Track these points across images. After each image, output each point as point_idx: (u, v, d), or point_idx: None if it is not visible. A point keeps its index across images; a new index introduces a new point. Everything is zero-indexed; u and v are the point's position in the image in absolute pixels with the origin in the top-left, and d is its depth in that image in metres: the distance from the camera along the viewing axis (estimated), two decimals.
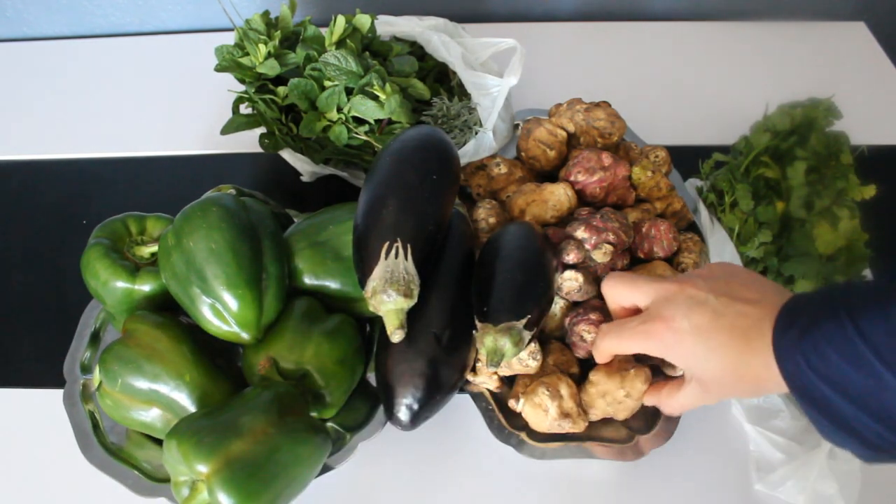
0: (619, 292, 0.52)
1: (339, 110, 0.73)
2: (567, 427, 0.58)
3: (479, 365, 0.60)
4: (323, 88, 0.73)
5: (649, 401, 0.56)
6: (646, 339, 0.48)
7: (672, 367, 0.59)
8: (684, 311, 0.46)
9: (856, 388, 0.37)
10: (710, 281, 0.47)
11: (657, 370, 0.59)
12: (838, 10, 1.01)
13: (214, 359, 0.59)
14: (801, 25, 1.00)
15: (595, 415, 0.58)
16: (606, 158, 0.68)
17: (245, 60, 0.74)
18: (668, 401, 0.53)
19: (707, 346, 0.45)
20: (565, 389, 0.58)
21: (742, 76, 0.94)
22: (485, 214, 0.67)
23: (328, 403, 0.57)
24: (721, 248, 0.68)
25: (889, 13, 1.02)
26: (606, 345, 0.52)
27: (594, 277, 0.63)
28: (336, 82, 0.72)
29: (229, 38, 0.78)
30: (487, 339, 0.53)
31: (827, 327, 0.38)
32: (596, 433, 0.60)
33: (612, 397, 0.56)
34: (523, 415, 0.58)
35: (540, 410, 0.57)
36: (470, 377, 0.61)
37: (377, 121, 0.73)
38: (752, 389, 0.45)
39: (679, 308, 0.46)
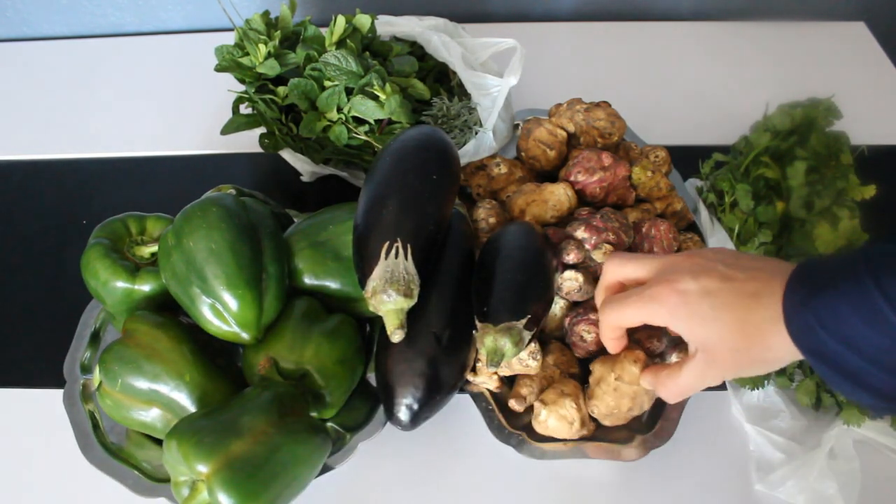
0: (625, 266, 0.50)
1: (339, 110, 0.73)
2: (584, 433, 0.58)
3: (479, 365, 0.60)
4: (323, 88, 0.73)
5: (647, 382, 0.53)
6: (649, 302, 0.46)
7: (675, 350, 0.58)
8: (692, 275, 0.44)
9: (871, 345, 0.36)
10: (719, 253, 0.46)
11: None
12: (838, 10, 1.01)
13: (214, 359, 0.59)
14: (801, 25, 1.00)
15: (598, 409, 0.57)
16: (606, 158, 0.68)
17: (245, 60, 0.74)
18: (668, 382, 0.50)
19: (713, 304, 0.43)
20: (581, 399, 0.58)
21: (742, 76, 0.94)
22: (485, 214, 0.67)
23: (328, 403, 0.57)
24: (721, 248, 0.68)
25: (889, 13, 1.02)
26: (609, 317, 0.50)
27: (594, 277, 0.63)
28: (336, 82, 0.72)
29: (229, 38, 0.78)
30: (487, 339, 0.53)
31: (844, 286, 0.37)
32: (596, 433, 0.60)
33: (607, 384, 0.55)
34: (545, 426, 0.58)
35: (566, 422, 0.57)
36: (470, 377, 0.61)
37: (377, 121, 0.73)
38: (759, 355, 0.43)
39: (686, 272, 0.45)
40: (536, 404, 0.58)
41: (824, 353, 0.38)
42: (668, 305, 0.45)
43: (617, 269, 0.51)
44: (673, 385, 0.49)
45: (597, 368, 0.57)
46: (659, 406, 0.61)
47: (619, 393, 0.56)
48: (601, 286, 0.53)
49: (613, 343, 0.53)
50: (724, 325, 0.43)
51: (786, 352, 0.41)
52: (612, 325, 0.51)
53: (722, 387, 0.64)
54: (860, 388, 0.38)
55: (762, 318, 0.41)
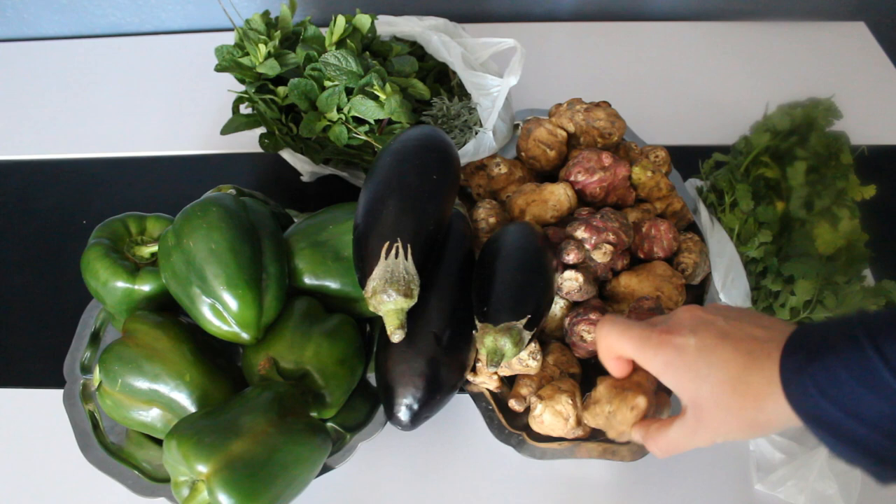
0: (616, 343, 0.48)
1: (339, 110, 0.73)
2: (578, 433, 0.58)
3: (479, 365, 0.60)
4: (323, 88, 0.73)
5: (637, 435, 0.50)
6: (645, 346, 0.45)
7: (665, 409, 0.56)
8: (690, 328, 0.44)
9: (871, 411, 0.36)
10: (722, 309, 0.45)
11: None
12: (838, 10, 1.01)
13: (214, 359, 0.59)
14: (801, 25, 1.00)
15: (586, 419, 0.53)
16: (606, 158, 0.68)
17: (245, 60, 0.74)
18: (658, 437, 0.47)
19: (708, 361, 0.42)
20: (578, 397, 0.58)
21: (742, 76, 0.94)
22: (485, 214, 0.67)
23: (328, 403, 0.57)
24: (721, 248, 0.68)
25: (889, 13, 1.02)
26: (605, 339, 0.48)
27: (594, 277, 0.63)
28: (336, 82, 0.72)
29: (229, 38, 0.78)
30: (487, 339, 0.53)
31: (843, 351, 0.36)
32: (596, 433, 0.60)
33: (601, 409, 0.51)
34: (540, 421, 0.58)
35: (561, 418, 0.57)
36: (470, 377, 0.61)
37: (377, 121, 0.73)
38: (752, 417, 0.41)
39: (685, 324, 0.44)
40: (533, 399, 0.58)
41: (823, 419, 0.37)
42: (663, 356, 0.44)
43: (612, 345, 0.48)
44: (662, 441, 0.47)
45: (601, 390, 0.52)
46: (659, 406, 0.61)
47: (608, 423, 0.52)
48: (601, 356, 0.51)
49: (612, 365, 0.50)
50: (716, 383, 0.42)
51: (781, 415, 0.40)
52: (606, 347, 0.49)
53: None
54: (861, 454, 0.37)
55: (758, 380, 0.40)
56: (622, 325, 0.48)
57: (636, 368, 0.51)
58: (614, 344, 0.48)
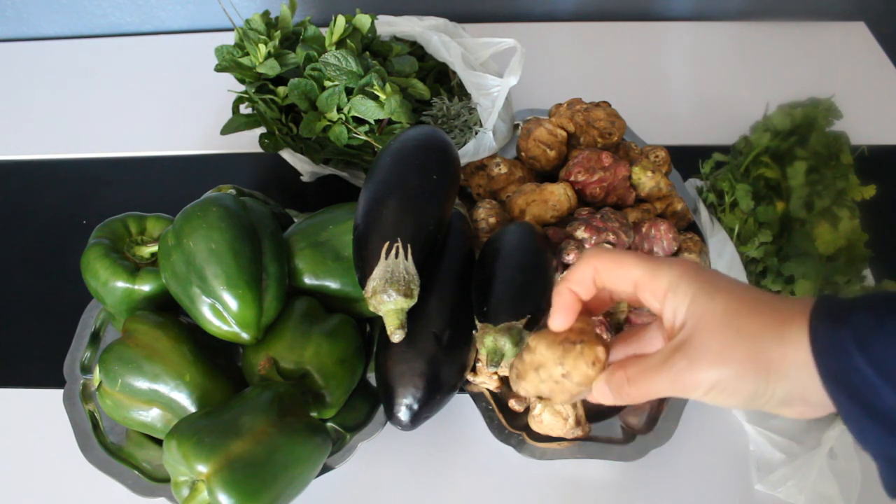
0: (618, 265, 0.38)
1: (339, 110, 0.73)
2: (578, 433, 0.58)
3: (479, 365, 0.60)
4: (323, 88, 0.73)
5: (601, 391, 0.38)
6: (655, 260, 0.36)
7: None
8: (709, 266, 0.38)
9: None
10: None
11: None
12: (838, 10, 1.01)
13: (214, 359, 0.59)
14: (801, 25, 1.00)
15: (525, 390, 0.42)
16: (606, 158, 0.68)
17: (245, 60, 0.74)
18: (635, 379, 0.36)
19: (729, 280, 0.34)
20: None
21: (742, 76, 0.94)
22: (485, 214, 0.67)
23: (328, 403, 0.57)
24: (721, 248, 0.68)
25: (889, 13, 1.02)
26: (590, 260, 0.38)
27: None
28: (336, 82, 0.72)
29: (229, 38, 0.78)
30: (487, 339, 0.53)
31: (888, 306, 0.29)
32: (596, 433, 0.60)
33: (548, 373, 0.40)
34: (539, 421, 0.58)
35: (560, 418, 0.57)
36: (470, 377, 0.61)
37: (377, 121, 0.73)
38: (764, 350, 0.32)
39: (704, 265, 0.38)
40: (533, 399, 0.58)
41: (852, 381, 0.30)
42: (680, 268, 0.35)
43: (605, 264, 0.38)
44: (642, 383, 0.36)
45: (541, 350, 0.40)
46: (659, 406, 0.61)
47: (557, 388, 0.40)
48: (568, 282, 0.39)
49: (566, 302, 0.39)
50: (734, 299, 0.33)
51: (797, 362, 0.31)
52: (590, 272, 0.38)
53: None
54: (888, 432, 0.30)
55: (785, 307, 0.32)
56: (618, 252, 0.38)
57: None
58: (610, 263, 0.38)
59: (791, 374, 0.32)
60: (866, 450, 0.32)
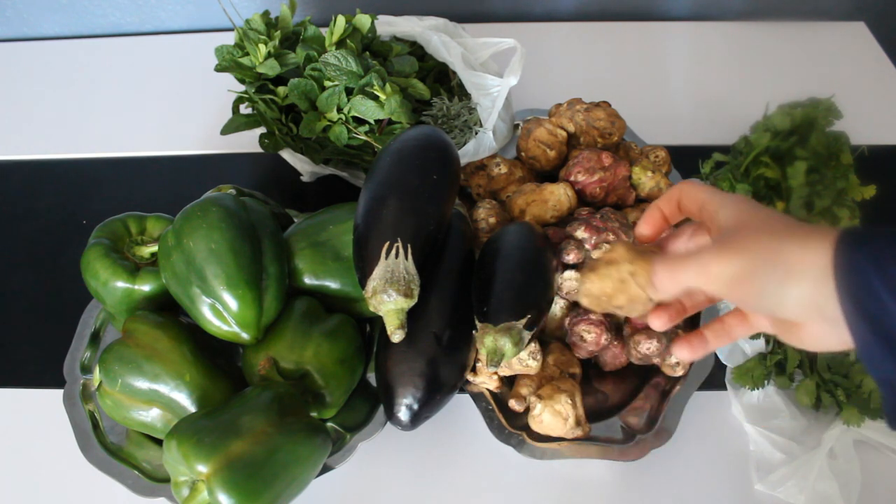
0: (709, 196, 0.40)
1: (339, 110, 0.73)
2: (578, 433, 0.58)
3: (479, 365, 0.60)
4: (323, 88, 0.73)
5: (659, 269, 0.40)
6: (718, 192, 0.39)
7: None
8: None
9: None
10: None
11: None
12: (838, 10, 1.01)
13: (214, 359, 0.59)
14: (801, 25, 1.00)
15: (588, 288, 0.44)
16: (606, 158, 0.68)
17: (245, 60, 0.74)
18: (672, 263, 0.39)
19: (774, 210, 0.37)
20: (578, 396, 0.58)
21: (742, 76, 0.94)
22: (485, 214, 0.67)
23: (328, 403, 0.57)
24: None
25: (889, 13, 1.02)
26: (684, 184, 0.42)
27: None
28: (336, 82, 0.72)
29: (229, 38, 0.78)
30: (487, 339, 0.53)
31: None
32: (596, 433, 0.60)
33: (617, 270, 0.43)
34: (539, 421, 0.58)
35: (560, 418, 0.57)
36: (470, 377, 0.61)
37: (377, 121, 0.73)
38: (786, 258, 0.34)
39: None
40: (532, 399, 0.58)
41: (868, 304, 0.31)
42: (736, 196, 0.39)
43: (687, 191, 0.41)
44: (680, 265, 0.38)
45: (619, 248, 0.43)
46: (659, 406, 0.61)
47: (621, 287, 0.43)
48: (657, 203, 0.43)
49: (653, 215, 0.44)
50: (773, 214, 0.36)
51: (814, 275, 0.33)
52: (673, 195, 0.42)
53: (722, 387, 0.64)
54: (893, 354, 0.31)
55: (815, 230, 0.34)
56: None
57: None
58: (691, 189, 0.41)
59: (807, 278, 0.33)
60: (871, 373, 0.32)
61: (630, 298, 0.43)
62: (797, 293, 0.34)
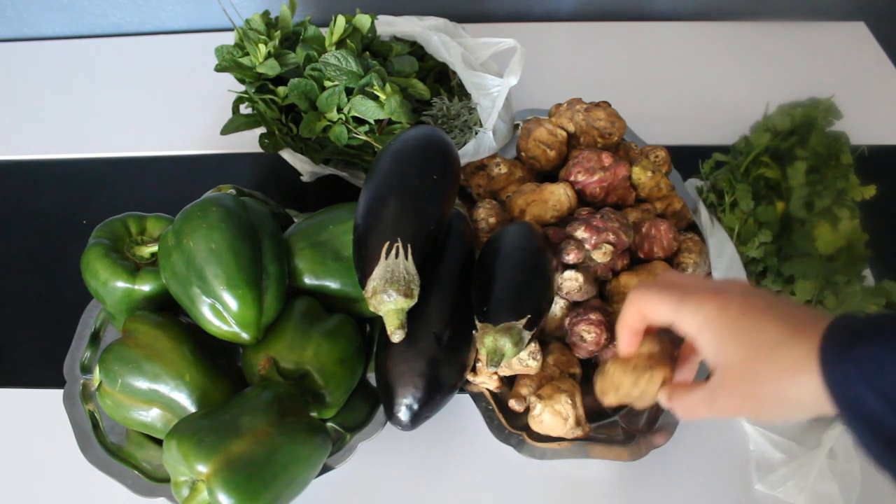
0: (655, 305, 0.44)
1: (339, 110, 0.73)
2: (578, 433, 0.58)
3: (479, 365, 0.60)
4: (323, 88, 0.73)
5: (663, 398, 0.48)
6: (685, 298, 0.42)
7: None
8: (739, 290, 0.41)
9: None
10: (763, 290, 0.43)
11: None
12: (838, 10, 1.01)
13: (214, 359, 0.59)
14: (801, 25, 1.00)
15: (608, 399, 0.50)
16: (606, 158, 0.68)
17: (245, 60, 0.74)
18: (680, 398, 0.45)
19: (751, 322, 0.39)
20: (578, 396, 0.58)
21: (742, 76, 0.94)
22: (485, 214, 0.67)
23: (328, 403, 0.57)
24: (721, 248, 0.68)
25: (889, 13, 1.02)
26: (636, 301, 0.45)
27: (594, 277, 0.63)
28: (336, 82, 0.72)
29: (229, 38, 0.78)
30: (487, 339, 0.53)
31: (893, 339, 0.34)
32: (596, 433, 0.60)
33: (626, 393, 0.49)
34: (539, 421, 0.58)
35: (560, 418, 0.57)
36: (470, 377, 0.61)
37: (377, 121, 0.73)
38: (781, 390, 0.38)
39: (738, 288, 0.42)
40: (532, 399, 0.58)
41: (861, 409, 0.34)
42: (705, 311, 0.41)
43: (645, 307, 0.45)
44: (685, 402, 0.44)
45: (616, 374, 0.49)
46: (659, 406, 0.61)
47: (638, 401, 0.49)
48: (622, 323, 0.47)
49: (626, 336, 0.47)
50: (754, 347, 0.39)
51: (812, 396, 0.36)
52: (636, 313, 0.45)
53: None
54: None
55: (797, 352, 0.37)
56: (662, 285, 0.44)
57: (643, 341, 0.48)
58: (648, 306, 0.44)
59: (806, 406, 0.37)
60: (876, 467, 0.35)
61: (642, 395, 0.49)
62: (803, 415, 0.38)
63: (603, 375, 0.51)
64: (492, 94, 0.74)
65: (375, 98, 0.72)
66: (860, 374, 0.34)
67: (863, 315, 0.38)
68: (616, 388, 0.50)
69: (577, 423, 0.58)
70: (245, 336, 0.56)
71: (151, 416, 0.56)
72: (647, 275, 0.63)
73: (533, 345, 0.59)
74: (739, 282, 0.44)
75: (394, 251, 0.53)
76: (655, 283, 0.45)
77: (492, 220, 0.67)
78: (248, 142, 0.79)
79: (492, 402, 0.61)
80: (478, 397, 0.62)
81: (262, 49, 0.73)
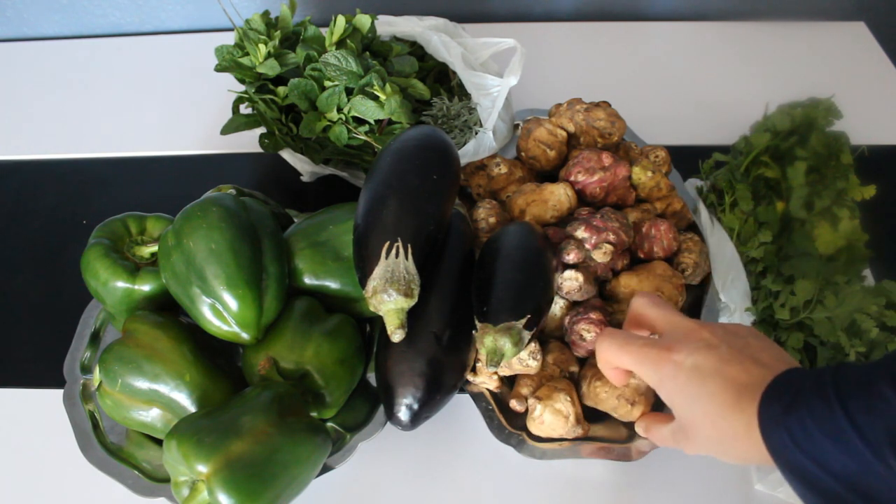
0: (616, 357, 0.50)
1: (339, 110, 0.73)
2: (578, 432, 0.58)
3: (479, 365, 0.60)
4: (323, 88, 0.73)
5: (641, 427, 0.56)
6: (644, 361, 0.47)
7: None
8: (692, 349, 0.45)
9: (839, 465, 0.36)
10: (730, 334, 0.46)
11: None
12: (838, 10, 1.01)
13: (214, 359, 0.59)
14: (801, 25, 1.00)
15: (594, 403, 0.60)
16: (606, 158, 0.68)
17: (245, 60, 0.74)
18: (653, 430, 0.53)
19: (699, 388, 0.44)
20: (575, 395, 0.58)
21: (742, 76, 0.94)
22: (485, 214, 0.67)
23: (328, 403, 0.57)
24: (721, 248, 0.68)
25: (889, 13, 1.02)
26: (604, 352, 0.51)
27: (594, 277, 0.63)
28: (336, 82, 0.72)
29: (229, 38, 0.78)
30: (487, 339, 0.53)
31: (814, 404, 0.38)
32: (596, 433, 0.60)
33: (608, 406, 0.59)
34: (540, 422, 0.58)
35: (561, 417, 0.57)
36: (470, 377, 0.61)
37: (377, 121, 0.73)
38: (731, 448, 0.44)
39: (688, 344, 0.46)
40: (531, 401, 0.58)
41: (797, 468, 0.38)
42: (661, 373, 0.46)
43: (610, 359, 0.51)
44: (657, 436, 0.53)
45: (603, 395, 0.58)
46: (658, 405, 0.61)
47: (620, 404, 0.58)
48: (600, 365, 0.53)
49: (610, 374, 0.53)
50: (703, 413, 0.44)
51: (761, 455, 0.41)
52: (606, 360, 0.51)
53: None
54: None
55: (739, 420, 0.42)
56: (621, 340, 0.50)
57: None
58: (613, 358, 0.50)
59: (757, 459, 0.42)
60: None
61: (618, 410, 0.58)
62: (750, 461, 0.44)
63: (588, 386, 0.59)
64: (492, 94, 0.74)
65: (375, 98, 0.72)
66: (793, 440, 0.38)
67: (794, 374, 0.42)
68: (596, 403, 0.59)
69: (577, 420, 0.58)
70: (245, 336, 0.56)
71: (151, 416, 0.56)
72: (647, 275, 0.63)
73: (533, 345, 0.59)
74: (696, 333, 0.47)
75: (394, 251, 0.53)
76: (617, 335, 0.50)
77: (492, 220, 0.67)
78: (248, 142, 0.79)
79: (492, 402, 0.61)
80: (478, 397, 0.62)
81: (262, 49, 0.73)
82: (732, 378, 0.43)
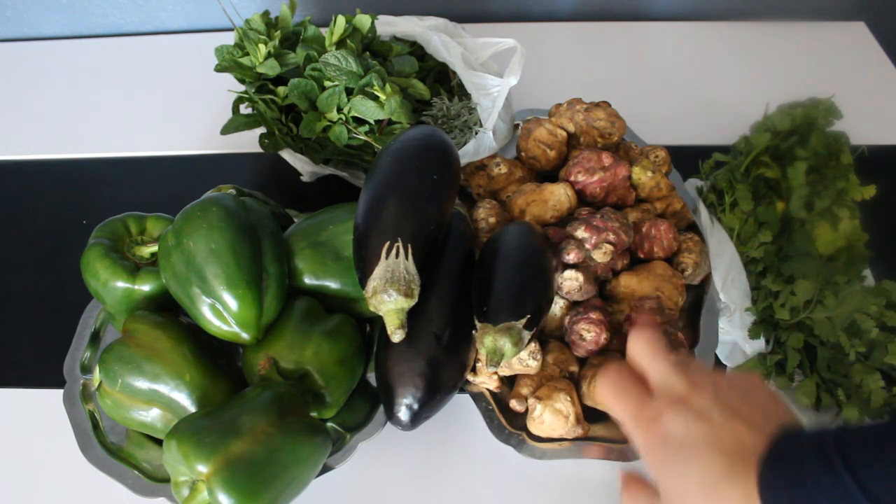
0: (640, 355, 0.48)
1: (339, 110, 0.73)
2: (578, 432, 0.58)
3: (479, 365, 0.60)
4: (323, 88, 0.73)
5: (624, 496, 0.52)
6: (630, 423, 0.45)
7: None
8: (681, 421, 0.43)
9: None
10: (724, 393, 0.44)
11: None
12: (838, 10, 1.01)
13: (214, 359, 0.59)
14: (801, 25, 1.00)
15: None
16: (606, 158, 0.68)
17: (245, 60, 0.74)
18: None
19: (688, 460, 0.41)
20: (575, 395, 0.58)
21: (742, 76, 0.94)
22: (485, 214, 0.67)
23: (328, 403, 0.57)
24: (721, 248, 0.68)
25: (889, 13, 1.02)
26: (601, 392, 0.48)
27: (594, 277, 0.63)
28: (336, 82, 0.72)
29: (229, 38, 0.78)
30: (487, 339, 0.53)
31: (822, 482, 0.35)
32: (596, 433, 0.60)
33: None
34: (540, 422, 0.58)
35: (561, 416, 0.57)
36: (470, 377, 0.61)
37: (377, 121, 0.73)
38: None
39: (678, 416, 0.43)
40: (531, 401, 0.58)
41: None
42: (647, 441, 0.44)
43: (603, 402, 0.50)
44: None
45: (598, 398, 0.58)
46: None
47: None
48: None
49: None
50: (691, 485, 0.41)
51: None
52: (603, 403, 0.52)
53: None
54: None
55: (733, 491, 0.39)
56: (615, 390, 0.47)
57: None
58: (606, 403, 0.48)
59: None
60: None
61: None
62: None
63: (588, 386, 0.58)
64: (492, 94, 0.74)
65: (375, 98, 0.72)
66: None
67: (791, 438, 0.39)
68: (596, 403, 0.58)
69: (577, 420, 0.58)
70: (245, 336, 0.56)
71: (151, 416, 0.56)
72: (647, 275, 0.63)
73: (533, 344, 0.59)
74: (691, 397, 0.44)
75: (394, 251, 0.53)
76: (614, 381, 0.47)
77: (492, 220, 0.67)
78: (248, 142, 0.79)
79: (492, 402, 0.61)
80: (478, 397, 0.62)
81: (262, 49, 0.73)
82: (723, 448, 0.40)
